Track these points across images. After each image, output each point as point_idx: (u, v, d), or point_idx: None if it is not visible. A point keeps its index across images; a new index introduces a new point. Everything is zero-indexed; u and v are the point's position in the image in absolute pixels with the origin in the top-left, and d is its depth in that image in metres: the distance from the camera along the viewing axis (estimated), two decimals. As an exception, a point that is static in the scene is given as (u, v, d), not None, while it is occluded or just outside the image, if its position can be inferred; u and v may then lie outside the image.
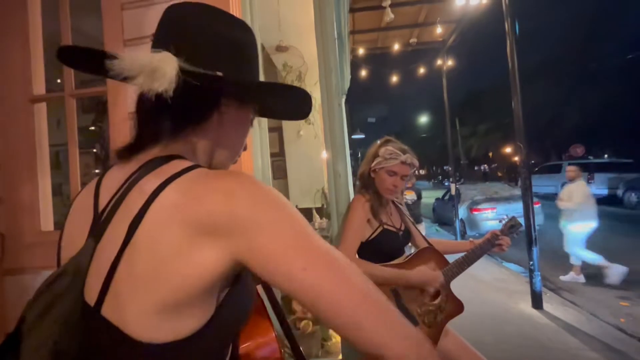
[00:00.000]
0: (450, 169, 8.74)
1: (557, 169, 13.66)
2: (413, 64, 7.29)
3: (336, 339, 1.85)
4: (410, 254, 1.38)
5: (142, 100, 0.50)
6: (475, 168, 40.42)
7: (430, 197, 11.40)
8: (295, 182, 4.59)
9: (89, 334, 0.41)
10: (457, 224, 7.59)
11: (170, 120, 0.50)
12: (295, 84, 3.17)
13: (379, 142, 1.43)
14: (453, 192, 7.72)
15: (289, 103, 0.62)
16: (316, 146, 4.33)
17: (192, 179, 0.43)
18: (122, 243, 0.40)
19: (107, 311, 0.40)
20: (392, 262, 1.32)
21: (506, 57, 3.88)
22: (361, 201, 1.34)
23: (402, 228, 1.45)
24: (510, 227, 1.44)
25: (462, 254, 1.40)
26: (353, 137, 12.87)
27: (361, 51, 6.14)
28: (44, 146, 1.47)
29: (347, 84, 3.56)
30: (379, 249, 1.34)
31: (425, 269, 1.28)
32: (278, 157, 4.71)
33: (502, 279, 4.80)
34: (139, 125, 0.51)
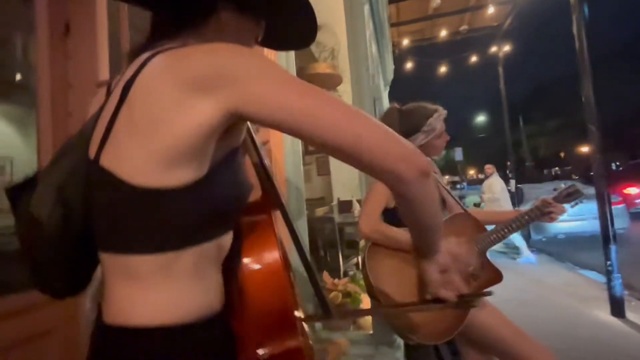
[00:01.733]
0: (509, 163, 7.99)
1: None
2: (464, 53, 6.86)
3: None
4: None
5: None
6: (545, 171, 36.33)
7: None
8: (338, 176, 4.67)
9: (90, 185, 0.46)
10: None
11: (168, 21, 0.53)
12: (329, 62, 3.15)
13: (392, 116, 1.28)
14: (513, 189, 7.04)
15: (291, 17, 0.61)
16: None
17: (180, 49, 0.46)
18: (118, 102, 0.44)
19: (105, 161, 0.44)
20: None
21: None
22: None
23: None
24: (567, 195, 1.25)
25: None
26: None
27: (406, 42, 5.94)
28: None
29: (390, 75, 3.49)
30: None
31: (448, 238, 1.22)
32: (322, 154, 4.78)
33: (574, 284, 4.21)
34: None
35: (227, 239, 0.50)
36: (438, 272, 0.62)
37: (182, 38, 0.52)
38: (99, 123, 0.47)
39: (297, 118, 0.42)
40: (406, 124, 1.23)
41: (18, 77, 1.96)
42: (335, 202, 3.79)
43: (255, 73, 0.42)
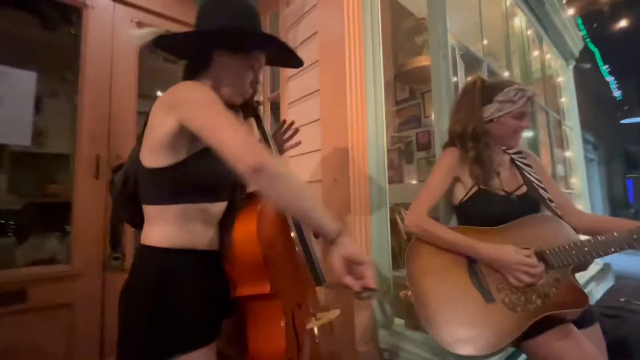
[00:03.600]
0: None
1: None
2: None
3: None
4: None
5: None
6: None
7: None
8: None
9: (137, 166, 0.78)
10: None
11: (187, 68, 0.86)
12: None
13: (474, 85, 1.12)
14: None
15: (271, 48, 0.88)
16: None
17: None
18: (146, 118, 0.78)
19: (140, 152, 0.77)
20: (487, 228, 1.03)
21: None
22: (451, 154, 1.11)
23: (521, 192, 1.09)
24: None
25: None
26: (625, 121, 10.52)
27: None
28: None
29: (577, 45, 3.20)
30: (473, 214, 1.08)
31: (514, 250, 0.93)
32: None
33: None
34: None
35: (213, 207, 0.80)
36: (340, 258, 0.66)
37: (198, 77, 0.82)
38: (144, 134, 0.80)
39: (201, 132, 0.67)
40: (484, 93, 1.08)
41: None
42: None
43: (190, 102, 0.70)
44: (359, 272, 0.66)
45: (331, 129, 1.64)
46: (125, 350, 0.70)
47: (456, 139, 1.12)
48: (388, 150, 1.94)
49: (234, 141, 0.63)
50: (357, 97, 1.60)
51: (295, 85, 1.95)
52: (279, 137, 1.13)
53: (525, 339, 0.92)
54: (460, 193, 1.11)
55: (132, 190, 0.80)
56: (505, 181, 1.11)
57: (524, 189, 1.10)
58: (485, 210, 1.06)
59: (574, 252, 0.90)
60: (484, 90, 1.09)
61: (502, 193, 1.08)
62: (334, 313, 0.90)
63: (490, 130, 1.08)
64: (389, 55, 3.06)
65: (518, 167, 1.14)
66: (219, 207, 0.81)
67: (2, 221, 1.94)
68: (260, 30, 0.87)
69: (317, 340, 0.91)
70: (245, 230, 0.81)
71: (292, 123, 1.17)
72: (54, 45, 2.12)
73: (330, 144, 1.64)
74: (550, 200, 1.06)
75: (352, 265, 0.67)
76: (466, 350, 0.87)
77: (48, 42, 2.11)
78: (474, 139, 1.07)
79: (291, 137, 1.16)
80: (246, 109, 0.98)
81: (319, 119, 1.73)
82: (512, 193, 1.08)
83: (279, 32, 2.13)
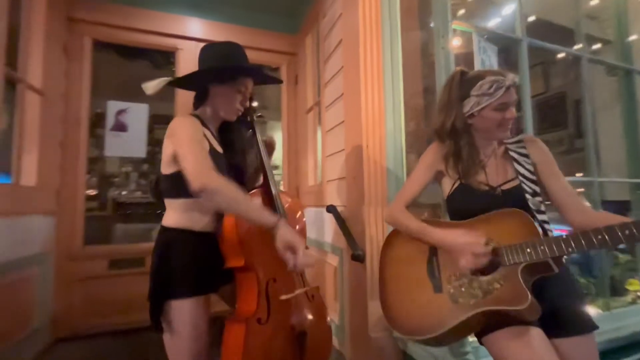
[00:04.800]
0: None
1: None
2: None
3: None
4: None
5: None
6: None
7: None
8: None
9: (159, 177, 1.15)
10: None
11: (194, 99, 1.15)
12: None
13: (452, 79, 1.08)
14: None
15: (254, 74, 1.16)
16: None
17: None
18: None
19: (161, 166, 1.09)
20: (457, 222, 1.03)
21: None
22: (432, 150, 1.12)
23: (509, 186, 1.02)
24: None
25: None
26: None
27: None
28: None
29: None
30: (456, 209, 1.07)
31: (462, 233, 0.93)
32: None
33: None
34: None
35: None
36: (280, 242, 0.94)
37: (203, 104, 1.12)
38: None
39: (178, 157, 0.96)
40: (462, 88, 1.04)
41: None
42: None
43: (177, 135, 0.99)
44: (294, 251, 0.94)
45: (351, 130, 1.77)
46: (149, 288, 1.05)
47: (435, 134, 1.12)
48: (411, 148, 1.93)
49: (191, 169, 0.92)
50: (373, 97, 1.68)
51: (329, 90, 2.13)
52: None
53: (484, 334, 0.91)
54: (447, 188, 1.10)
55: (159, 189, 1.16)
56: (492, 175, 1.05)
57: (514, 182, 1.02)
58: (465, 206, 1.04)
59: (528, 250, 0.84)
60: (462, 84, 1.05)
61: (485, 188, 1.03)
62: (302, 290, 1.09)
63: (475, 124, 1.05)
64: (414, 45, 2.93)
65: (510, 157, 1.05)
66: None
67: (129, 211, 2.77)
68: (240, 64, 1.12)
69: (291, 309, 1.12)
70: (229, 219, 1.07)
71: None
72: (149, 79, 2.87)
73: (350, 144, 1.77)
74: (536, 194, 0.96)
75: (289, 247, 0.93)
76: (407, 334, 0.94)
77: (152, 77, 2.88)
78: (452, 134, 1.06)
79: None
80: (245, 123, 1.26)
81: (343, 121, 1.88)
82: (497, 187, 1.03)
83: (319, 43, 2.35)
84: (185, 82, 1.14)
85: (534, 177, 0.99)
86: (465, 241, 0.91)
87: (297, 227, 1.25)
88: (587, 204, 1.10)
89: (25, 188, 1.91)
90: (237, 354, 0.99)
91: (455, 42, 1.51)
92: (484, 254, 0.88)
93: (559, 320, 0.91)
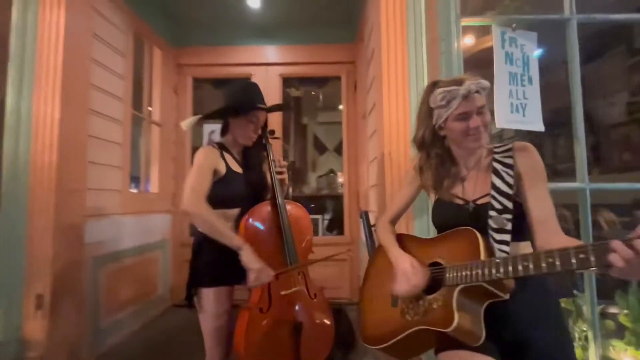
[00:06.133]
0: None
1: None
2: None
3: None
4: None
5: None
6: None
7: None
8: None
9: None
10: None
11: (222, 130, 1.46)
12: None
13: (425, 91, 1.04)
14: None
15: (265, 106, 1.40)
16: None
17: None
18: None
19: None
20: (425, 238, 1.04)
21: None
22: (412, 163, 1.13)
23: (481, 201, 0.94)
24: None
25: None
26: None
27: None
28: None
29: None
30: (434, 223, 1.04)
31: (405, 259, 0.96)
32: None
33: None
34: None
35: (228, 211, 1.36)
36: (244, 262, 1.18)
37: (226, 135, 1.43)
38: None
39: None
40: (432, 100, 1.00)
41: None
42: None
43: (194, 163, 1.25)
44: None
45: (380, 138, 1.81)
46: (188, 277, 1.42)
47: (417, 146, 1.08)
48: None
49: (185, 194, 1.19)
50: (397, 106, 1.68)
51: (370, 97, 2.19)
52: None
53: (439, 351, 0.91)
54: (432, 201, 1.09)
55: None
56: (470, 188, 0.98)
57: (488, 198, 0.92)
58: (439, 220, 1.02)
59: (465, 272, 0.80)
60: (429, 97, 1.01)
61: (459, 202, 0.98)
62: (299, 287, 1.29)
63: (447, 136, 1.00)
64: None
65: (492, 169, 0.95)
66: (233, 212, 1.39)
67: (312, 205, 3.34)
68: (250, 101, 1.37)
69: (291, 303, 1.31)
70: (240, 226, 1.34)
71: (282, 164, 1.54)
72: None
73: (379, 151, 1.82)
74: (505, 211, 0.86)
75: (246, 267, 1.20)
76: (365, 341, 1.02)
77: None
78: (421, 146, 1.05)
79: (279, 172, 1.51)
80: (261, 145, 1.50)
81: (376, 130, 1.92)
82: (471, 202, 0.96)
83: (367, 64, 2.40)
84: (212, 115, 1.46)
85: (509, 192, 0.88)
86: (403, 268, 0.94)
87: (301, 232, 1.43)
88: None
89: (151, 194, 2.68)
90: (242, 335, 1.25)
91: (468, 41, 1.39)
92: (413, 287, 0.90)
93: (527, 354, 0.83)
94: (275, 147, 2.16)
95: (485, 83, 0.90)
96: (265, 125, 1.50)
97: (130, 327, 2.35)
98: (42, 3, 1.77)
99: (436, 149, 1.03)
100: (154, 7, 2.70)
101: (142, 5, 2.53)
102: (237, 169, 1.41)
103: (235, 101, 1.39)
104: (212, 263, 1.33)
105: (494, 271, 0.74)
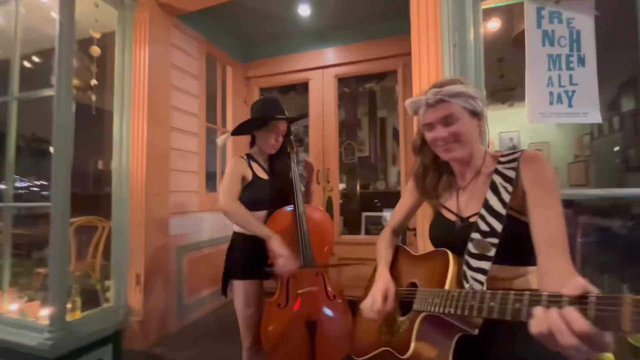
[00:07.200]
0: None
1: None
2: None
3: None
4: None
5: None
6: None
7: None
8: None
9: None
10: None
11: (251, 142, 1.63)
12: None
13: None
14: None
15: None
16: None
17: None
18: None
19: None
20: (414, 254, 0.98)
21: None
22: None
23: (474, 219, 0.81)
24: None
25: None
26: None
27: None
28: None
29: None
30: (430, 238, 0.96)
31: (384, 280, 0.92)
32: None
33: None
34: None
35: (256, 213, 1.52)
36: (270, 250, 1.34)
37: (253, 146, 1.59)
38: None
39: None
40: None
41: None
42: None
43: (226, 170, 1.48)
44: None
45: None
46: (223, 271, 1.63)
47: (414, 152, 1.01)
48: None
49: (220, 197, 1.40)
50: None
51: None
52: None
53: None
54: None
55: None
56: (465, 203, 0.88)
57: (478, 215, 0.81)
58: (433, 235, 0.94)
59: (428, 299, 0.74)
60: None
61: (450, 217, 0.89)
62: (315, 288, 1.39)
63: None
64: None
65: (492, 182, 0.82)
66: (261, 213, 1.54)
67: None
68: (267, 113, 1.50)
69: (307, 302, 1.39)
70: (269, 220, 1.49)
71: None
72: (298, 103, 3.60)
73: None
74: (492, 234, 0.74)
75: (275, 255, 1.34)
76: (350, 351, 1.05)
77: (299, 102, 3.60)
78: (414, 153, 0.98)
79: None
80: (286, 154, 1.61)
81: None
82: (464, 219, 0.85)
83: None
84: (240, 131, 1.64)
85: (502, 211, 0.76)
86: (374, 292, 0.91)
87: (321, 236, 1.49)
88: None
89: (226, 193, 3.11)
90: (264, 326, 1.39)
91: (492, 25, 1.20)
92: (376, 312, 0.87)
93: None
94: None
95: (458, 89, 0.80)
96: (288, 133, 1.60)
97: (209, 306, 2.80)
98: (135, 43, 2.25)
99: (423, 156, 0.96)
100: (222, 30, 3.09)
101: (212, 31, 2.94)
102: (263, 175, 1.56)
103: (255, 116, 1.54)
104: (243, 259, 1.51)
105: (448, 304, 0.68)
